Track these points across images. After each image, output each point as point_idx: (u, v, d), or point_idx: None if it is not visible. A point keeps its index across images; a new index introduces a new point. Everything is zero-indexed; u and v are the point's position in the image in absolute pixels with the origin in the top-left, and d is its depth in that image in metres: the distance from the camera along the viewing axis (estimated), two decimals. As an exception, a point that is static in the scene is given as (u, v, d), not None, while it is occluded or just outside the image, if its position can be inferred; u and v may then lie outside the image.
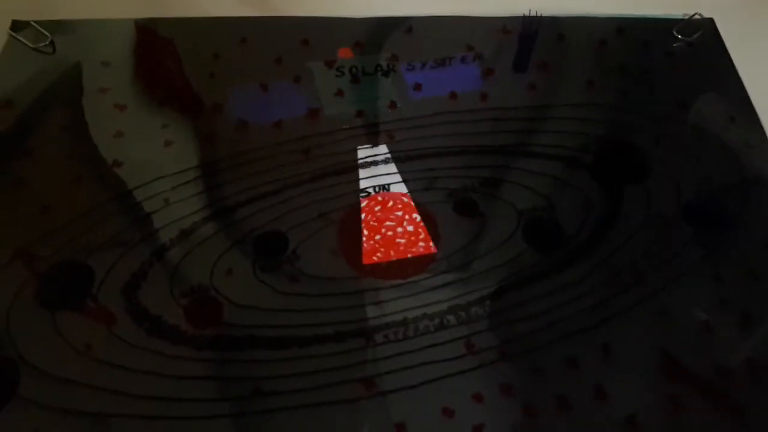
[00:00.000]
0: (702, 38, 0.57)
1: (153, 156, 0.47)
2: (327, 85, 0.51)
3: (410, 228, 0.46)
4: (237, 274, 0.42)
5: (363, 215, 0.46)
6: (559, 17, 0.57)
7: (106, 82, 0.50)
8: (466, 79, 0.53)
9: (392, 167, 0.48)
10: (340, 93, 0.51)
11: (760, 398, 0.40)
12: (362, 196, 0.47)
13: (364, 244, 0.45)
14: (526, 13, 0.56)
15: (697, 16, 0.58)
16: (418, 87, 0.52)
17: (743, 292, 0.44)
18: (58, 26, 0.52)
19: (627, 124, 0.52)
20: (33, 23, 0.51)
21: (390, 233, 0.46)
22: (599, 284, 0.44)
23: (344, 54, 0.51)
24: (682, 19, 0.58)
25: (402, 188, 0.47)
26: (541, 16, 0.56)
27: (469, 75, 0.53)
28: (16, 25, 0.52)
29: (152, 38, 0.53)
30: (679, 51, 0.57)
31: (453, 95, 0.52)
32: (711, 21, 0.58)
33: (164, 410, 0.37)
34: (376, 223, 0.46)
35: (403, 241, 0.45)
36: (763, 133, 0.52)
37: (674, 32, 0.57)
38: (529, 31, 0.55)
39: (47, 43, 0.51)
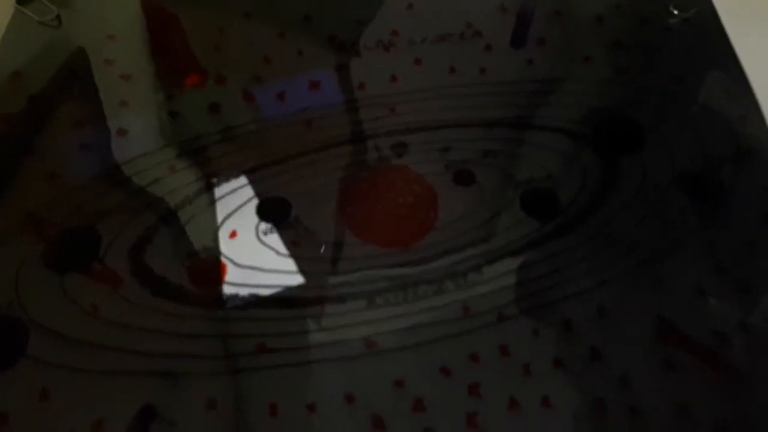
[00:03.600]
0: (698, 14, 0.58)
1: (159, 125, 0.48)
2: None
3: (410, 198, 0.47)
4: (240, 236, 0.43)
5: (364, 185, 0.47)
6: (557, -6, 0.58)
7: (111, 54, 0.51)
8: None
9: (393, 139, 0.49)
10: (341, 68, 0.52)
11: (753, 363, 0.41)
12: (363, 167, 0.48)
13: (365, 212, 0.46)
14: (525, -10, 0.57)
15: (693, -7, 0.59)
16: (418, 61, 0.53)
17: (738, 260, 0.45)
18: (63, 0, 0.53)
19: (624, 98, 0.53)
20: (40, -2, 0.52)
21: (390, 202, 0.47)
22: (595, 251, 0.45)
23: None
24: (679, -4, 0.59)
25: (403, 159, 0.48)
26: (539, -7, 0.57)
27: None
28: None
29: (157, 12, 0.53)
30: (675, 26, 0.57)
31: (452, 69, 0.53)
32: (707, -3, 0.59)
33: (169, 366, 0.38)
34: (377, 193, 0.47)
35: (403, 210, 0.46)
36: (758, 106, 0.52)
37: (671, 8, 0.58)
38: (527, 7, 0.56)
39: (53, 17, 0.52)
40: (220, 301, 0.41)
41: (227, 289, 0.41)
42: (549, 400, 0.39)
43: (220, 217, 0.44)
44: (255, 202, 0.45)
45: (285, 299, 0.41)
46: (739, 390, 0.40)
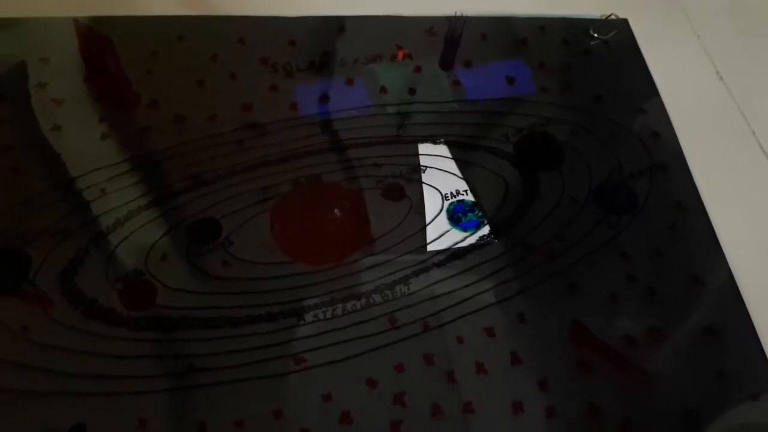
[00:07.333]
0: (617, 37, 0.62)
1: (90, 148, 0.48)
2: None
3: (340, 214, 0.49)
4: (171, 259, 0.44)
5: (295, 203, 0.48)
6: (482, 17, 0.61)
7: (44, 77, 0.51)
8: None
9: (324, 157, 0.51)
10: (273, 89, 0.54)
11: (659, 363, 0.44)
12: (294, 185, 0.49)
13: (296, 231, 0.47)
14: (452, 14, 0.60)
15: (612, 17, 0.62)
16: (350, 82, 0.55)
17: (648, 268, 0.48)
18: (-3, 24, 0.53)
19: (546, 116, 0.56)
20: (-29, 21, 0.52)
21: (321, 220, 0.48)
22: (515, 261, 0.47)
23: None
24: (598, 20, 0.62)
25: (333, 176, 0.50)
26: (466, 17, 0.60)
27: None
28: (-45, 23, 0.53)
29: (91, 36, 0.54)
30: (595, 48, 0.61)
31: (383, 89, 0.55)
32: (625, 21, 0.63)
33: (100, 387, 0.39)
34: (307, 211, 0.48)
35: (334, 226, 0.48)
36: (670, 123, 0.56)
37: (591, 31, 0.61)
38: (455, 30, 0.59)
39: (-15, 40, 0.52)
40: (151, 323, 0.42)
41: (157, 311, 0.42)
42: (471, 404, 0.41)
43: (150, 240, 0.45)
44: (185, 223, 0.46)
45: (214, 319, 0.42)
46: (644, 390, 0.43)
